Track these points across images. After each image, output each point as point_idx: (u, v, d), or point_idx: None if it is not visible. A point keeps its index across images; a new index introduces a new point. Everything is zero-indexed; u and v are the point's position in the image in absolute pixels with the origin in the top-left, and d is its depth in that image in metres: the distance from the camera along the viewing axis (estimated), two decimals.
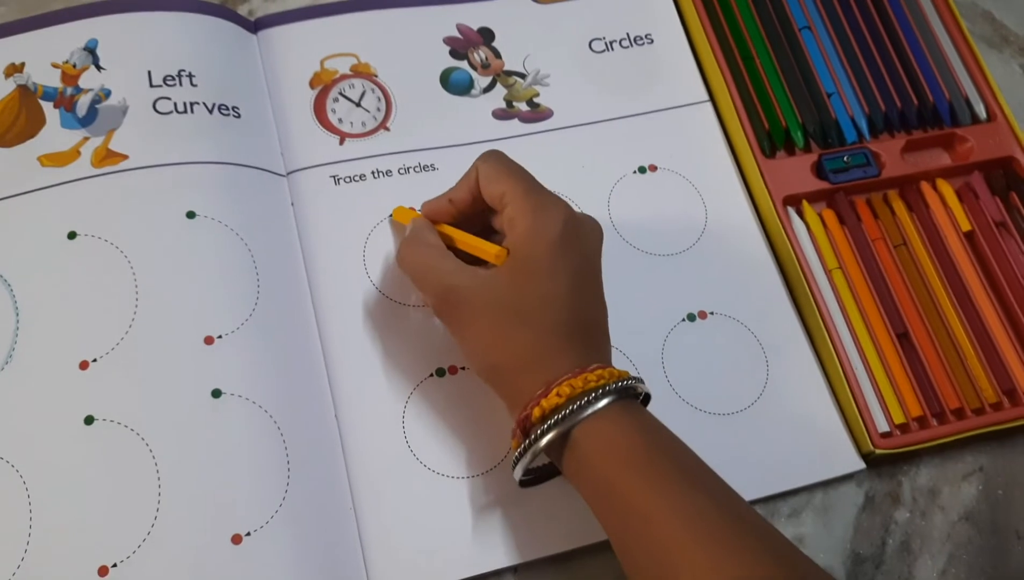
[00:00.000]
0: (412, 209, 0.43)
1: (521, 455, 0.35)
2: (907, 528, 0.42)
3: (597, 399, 0.33)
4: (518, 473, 0.35)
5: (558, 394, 0.34)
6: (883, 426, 0.43)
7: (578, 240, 0.37)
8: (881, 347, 0.44)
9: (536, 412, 0.34)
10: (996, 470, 0.44)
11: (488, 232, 0.40)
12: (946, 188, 0.49)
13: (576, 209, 0.46)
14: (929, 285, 0.46)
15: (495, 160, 0.39)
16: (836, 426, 0.43)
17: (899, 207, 0.48)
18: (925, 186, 0.49)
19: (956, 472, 0.44)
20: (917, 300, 0.46)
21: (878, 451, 0.42)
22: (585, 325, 0.36)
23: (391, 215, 0.44)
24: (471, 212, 0.40)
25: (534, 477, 0.38)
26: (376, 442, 0.40)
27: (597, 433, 0.33)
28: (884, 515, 0.42)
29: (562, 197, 0.46)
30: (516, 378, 0.35)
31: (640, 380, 0.35)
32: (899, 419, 0.43)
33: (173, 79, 0.45)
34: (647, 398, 0.36)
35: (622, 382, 0.34)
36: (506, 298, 0.35)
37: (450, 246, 0.39)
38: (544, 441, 0.34)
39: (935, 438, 0.43)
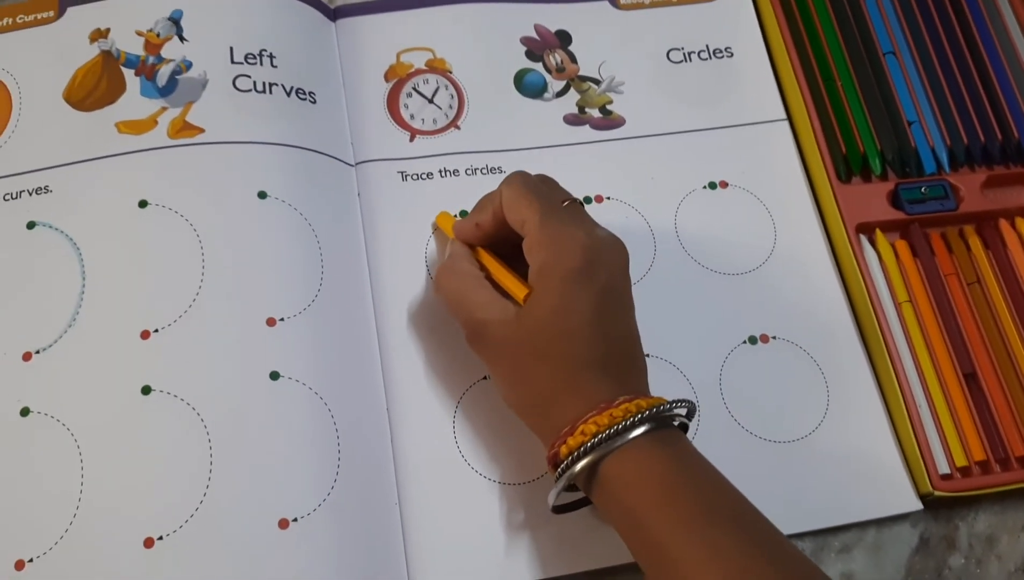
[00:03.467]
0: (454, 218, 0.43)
1: (555, 482, 0.35)
2: (961, 574, 0.41)
3: (624, 432, 0.33)
4: (551, 499, 0.35)
5: (583, 432, 0.33)
6: (943, 467, 0.41)
7: (599, 269, 0.35)
8: (947, 386, 0.43)
9: (563, 450, 0.34)
10: None
11: None
12: None
13: (637, 216, 0.45)
14: (1001, 326, 0.45)
15: (517, 184, 0.38)
16: (895, 463, 0.42)
17: (975, 244, 0.47)
18: (1004, 224, 0.47)
19: (1016, 521, 0.42)
20: (987, 340, 0.44)
21: (937, 493, 0.41)
22: (610, 357, 0.35)
23: (434, 221, 0.44)
24: (497, 236, 0.39)
25: (570, 503, 0.37)
26: (425, 439, 0.40)
27: (624, 468, 0.33)
28: (938, 559, 0.41)
29: (629, 208, 0.46)
30: (542, 416, 0.35)
31: (680, 405, 0.34)
32: (961, 462, 0.42)
33: (254, 58, 0.45)
34: (685, 426, 0.36)
35: (651, 411, 0.33)
36: (525, 336, 0.35)
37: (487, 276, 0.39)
38: (577, 469, 0.33)
39: (997, 485, 0.41)
